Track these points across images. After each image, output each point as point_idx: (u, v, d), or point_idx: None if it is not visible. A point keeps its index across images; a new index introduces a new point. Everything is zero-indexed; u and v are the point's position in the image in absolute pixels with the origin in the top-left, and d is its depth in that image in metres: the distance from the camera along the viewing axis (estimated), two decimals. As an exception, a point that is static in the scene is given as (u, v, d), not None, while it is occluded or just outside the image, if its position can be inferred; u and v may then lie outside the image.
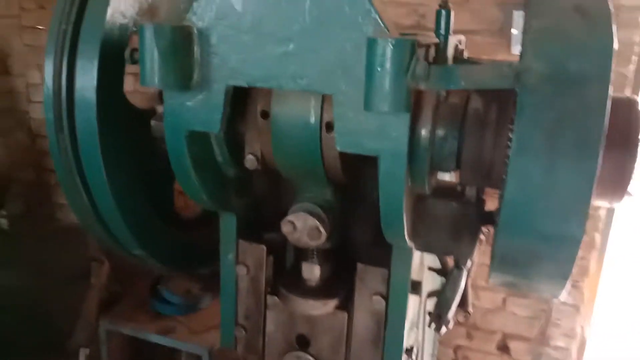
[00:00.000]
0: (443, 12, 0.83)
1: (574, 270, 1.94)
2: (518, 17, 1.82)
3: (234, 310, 1.09)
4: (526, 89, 0.63)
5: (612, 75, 0.61)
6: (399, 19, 2.03)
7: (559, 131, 0.62)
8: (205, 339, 1.89)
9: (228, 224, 1.05)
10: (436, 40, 0.82)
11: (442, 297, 1.02)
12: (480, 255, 2.04)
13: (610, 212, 2.01)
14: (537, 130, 0.63)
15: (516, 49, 1.91)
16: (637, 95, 1.90)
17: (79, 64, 0.94)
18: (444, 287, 1.02)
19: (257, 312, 1.08)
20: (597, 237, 1.99)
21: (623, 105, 0.74)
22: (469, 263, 0.98)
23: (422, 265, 1.11)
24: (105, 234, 1.13)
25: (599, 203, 0.77)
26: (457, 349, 2.31)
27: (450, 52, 0.94)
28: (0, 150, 3.00)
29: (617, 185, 0.74)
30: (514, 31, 1.89)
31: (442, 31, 0.84)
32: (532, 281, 0.74)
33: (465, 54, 1.19)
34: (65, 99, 0.96)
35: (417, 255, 1.03)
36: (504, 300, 2.16)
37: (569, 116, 0.62)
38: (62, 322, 2.00)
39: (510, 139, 0.66)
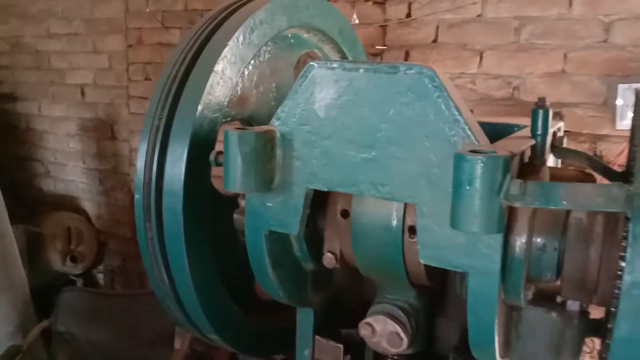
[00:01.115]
0: (540, 112, 0.77)
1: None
2: (623, 90, 1.70)
3: (307, 412, 1.05)
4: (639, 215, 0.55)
5: None
6: (491, 91, 1.96)
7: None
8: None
9: (305, 319, 1.01)
10: (532, 142, 0.76)
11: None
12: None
13: None
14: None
15: (622, 124, 1.77)
16: None
17: (169, 157, 0.97)
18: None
19: (334, 412, 1.02)
20: None
21: None
22: (569, 381, 0.87)
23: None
24: (184, 318, 1.13)
25: None
26: None
27: (547, 145, 0.87)
28: (102, 209, 3.22)
29: None
30: (618, 103, 1.76)
31: (540, 131, 0.78)
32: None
33: (565, 140, 1.11)
34: (154, 188, 1.00)
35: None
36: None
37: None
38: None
39: (620, 260, 0.58)
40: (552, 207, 0.63)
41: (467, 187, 0.60)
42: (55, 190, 3.37)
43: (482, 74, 1.98)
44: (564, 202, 0.59)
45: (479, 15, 1.97)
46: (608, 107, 1.78)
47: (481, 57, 1.98)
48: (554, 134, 0.97)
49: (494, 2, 1.94)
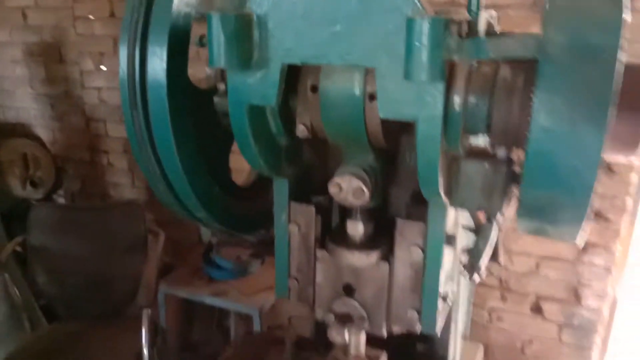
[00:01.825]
0: (469, -7, 0.92)
1: (607, 233, 2.03)
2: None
3: (287, 264, 1.23)
4: (547, 59, 0.73)
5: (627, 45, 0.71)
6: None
7: (575, 94, 0.72)
8: (255, 301, 2.06)
9: (281, 188, 1.18)
10: (468, 17, 0.92)
11: (474, 248, 1.13)
12: (514, 222, 2.14)
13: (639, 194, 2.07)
14: (556, 94, 0.73)
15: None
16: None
17: (150, 50, 1.08)
18: (476, 239, 1.13)
19: (307, 265, 1.21)
20: (629, 200, 2.06)
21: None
22: (499, 218, 1.09)
23: (457, 223, 1.22)
24: (173, 199, 1.28)
25: (616, 156, 0.86)
26: (491, 310, 2.42)
27: (482, 27, 1.03)
28: (57, 134, 3.23)
29: (631, 142, 0.83)
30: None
31: (474, 8, 0.94)
32: (553, 226, 0.85)
33: (498, 29, 1.28)
34: (138, 80, 1.11)
35: (452, 213, 1.14)
36: (537, 265, 2.26)
37: (583, 81, 0.72)
38: (123, 287, 2.18)
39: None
40: (482, 59, 0.79)
41: (417, 44, 0.76)
42: (5, 118, 3.32)
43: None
44: (490, 53, 0.76)
45: None
46: (536, 7, 1.97)
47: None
48: (488, 22, 1.14)
49: None
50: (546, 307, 2.30)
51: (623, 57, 0.73)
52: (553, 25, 0.74)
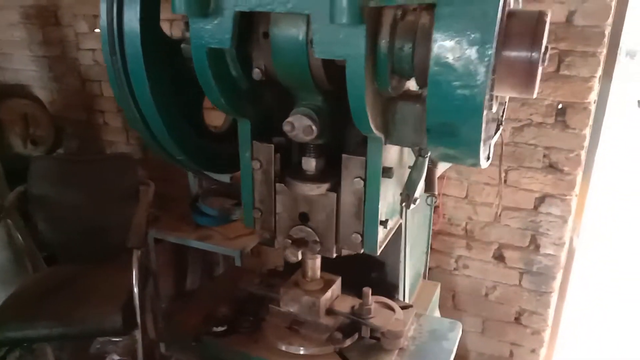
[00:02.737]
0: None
1: (562, 184, 2.19)
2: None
3: (251, 197, 1.40)
4: (441, 2, 0.88)
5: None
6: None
7: (466, 31, 0.87)
8: (237, 244, 2.24)
9: (244, 128, 1.34)
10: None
11: (409, 180, 1.29)
12: (477, 176, 2.31)
13: (596, 132, 2.21)
14: (448, 32, 0.88)
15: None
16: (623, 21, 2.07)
17: (126, 2, 1.23)
18: (410, 172, 1.29)
19: (269, 197, 1.38)
20: (583, 154, 2.21)
21: (530, 14, 0.97)
22: (429, 152, 1.25)
23: (402, 161, 1.37)
24: (152, 141, 1.45)
25: (513, 92, 1.02)
26: (458, 258, 2.60)
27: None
28: (55, 94, 3.38)
29: (526, 79, 0.98)
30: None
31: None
32: (456, 150, 1.01)
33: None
34: (116, 29, 1.26)
35: (395, 151, 1.30)
36: (499, 215, 2.43)
37: (470, 21, 0.87)
38: (117, 234, 2.36)
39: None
40: (391, 5, 0.94)
41: (339, -9, 0.91)
42: (5, 79, 3.47)
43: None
44: (398, 0, 0.91)
45: None
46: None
47: None
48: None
49: None
50: (508, 255, 2.47)
51: (509, 3, 0.88)
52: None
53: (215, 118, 1.62)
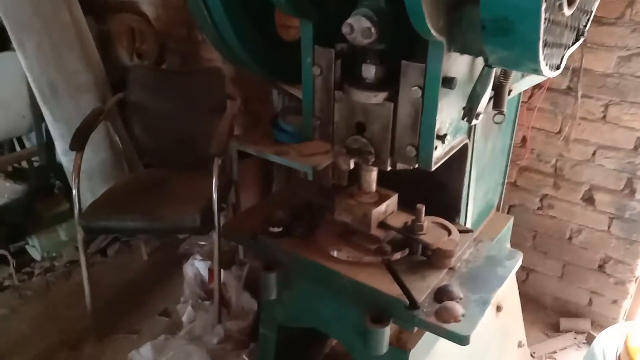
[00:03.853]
0: None
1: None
2: None
3: (312, 105, 1.40)
4: None
5: None
6: None
7: None
8: (311, 161, 2.28)
9: (306, 31, 1.32)
10: None
11: (473, 92, 1.21)
12: (574, 109, 2.14)
13: None
14: None
15: None
16: None
17: None
18: (475, 84, 1.21)
19: (327, 106, 1.37)
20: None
21: None
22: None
23: (472, 73, 1.29)
24: (223, 47, 1.49)
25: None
26: (543, 197, 2.45)
27: None
28: (160, 11, 3.54)
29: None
30: None
31: None
32: (513, 50, 0.93)
33: None
34: None
35: (462, 61, 1.22)
36: (594, 153, 2.23)
37: None
38: (203, 143, 2.49)
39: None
40: None
41: None
42: (116, -6, 3.69)
43: None
44: None
45: None
46: None
47: None
48: None
49: None
50: (598, 197, 2.29)
51: None
52: None
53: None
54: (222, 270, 2.41)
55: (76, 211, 2.22)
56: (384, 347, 1.32)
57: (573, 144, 2.26)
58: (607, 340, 1.47)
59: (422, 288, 1.33)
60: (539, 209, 2.48)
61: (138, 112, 2.65)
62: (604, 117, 2.14)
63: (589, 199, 2.32)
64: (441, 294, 1.32)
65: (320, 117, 1.41)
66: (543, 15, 0.84)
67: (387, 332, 1.30)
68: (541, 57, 0.92)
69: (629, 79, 2.03)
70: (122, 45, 3.34)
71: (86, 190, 2.65)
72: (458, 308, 1.27)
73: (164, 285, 2.79)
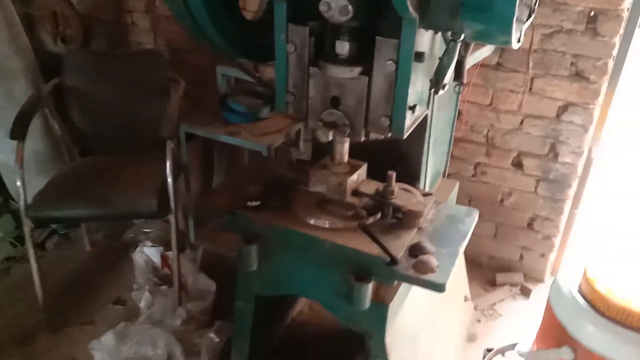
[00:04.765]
0: None
1: (587, 93, 2.21)
2: None
3: (285, 80, 1.46)
4: None
5: None
6: None
7: None
8: (265, 140, 2.33)
9: (280, 9, 1.37)
10: None
11: (440, 64, 1.33)
12: (503, 83, 2.34)
13: (626, 42, 2.19)
14: None
15: None
16: None
17: None
18: (442, 57, 1.33)
19: (302, 81, 1.43)
20: (610, 63, 2.21)
21: None
22: (462, 37, 1.28)
23: (433, 49, 1.41)
24: (197, 31, 1.50)
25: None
26: (477, 165, 2.67)
27: None
28: (84, -8, 3.39)
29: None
30: None
31: None
32: (490, 24, 1.05)
33: None
34: None
35: (427, 37, 1.34)
36: (522, 122, 2.47)
37: None
38: (148, 127, 2.47)
39: None
40: None
41: None
42: (33, -25, 3.47)
43: None
44: None
45: None
46: None
47: None
48: None
49: None
50: (526, 162, 2.54)
51: None
52: None
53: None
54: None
55: (22, 203, 2.13)
56: (367, 302, 1.43)
57: (503, 114, 2.49)
58: (568, 274, 1.71)
59: (398, 246, 1.45)
60: (473, 176, 2.70)
61: (76, 98, 2.56)
62: (530, 89, 2.37)
63: (517, 164, 2.56)
64: (415, 250, 1.45)
65: (294, 93, 1.47)
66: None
67: (370, 288, 1.42)
68: (513, 31, 1.05)
69: (551, 54, 2.27)
70: (45, 29, 3.17)
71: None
72: (433, 260, 1.41)
73: (113, 274, 2.73)
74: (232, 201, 1.61)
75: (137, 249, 2.65)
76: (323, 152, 1.62)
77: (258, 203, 1.58)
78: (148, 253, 2.65)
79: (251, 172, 1.91)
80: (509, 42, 1.08)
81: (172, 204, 2.23)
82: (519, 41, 1.19)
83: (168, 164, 2.21)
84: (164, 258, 2.61)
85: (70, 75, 2.54)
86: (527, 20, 1.30)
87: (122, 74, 2.59)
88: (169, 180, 2.23)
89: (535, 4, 1.32)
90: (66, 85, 2.54)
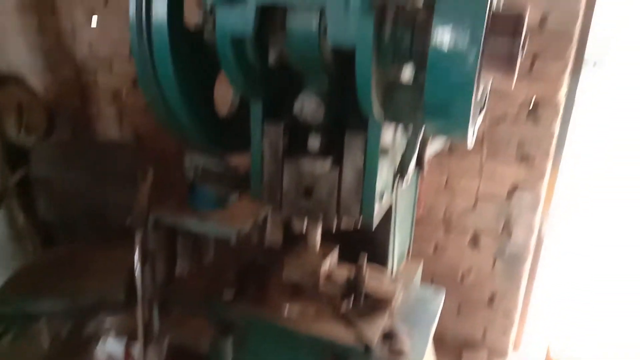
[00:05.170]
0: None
1: (533, 174, 2.38)
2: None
3: (260, 173, 1.55)
4: (441, 1, 1.05)
5: None
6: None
7: (459, 21, 1.04)
8: (233, 226, 2.38)
9: (256, 108, 1.49)
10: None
11: (404, 156, 1.46)
12: (456, 165, 2.49)
13: (564, 126, 2.43)
14: (447, 21, 1.05)
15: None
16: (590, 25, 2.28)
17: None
18: (405, 148, 1.46)
19: (276, 173, 1.52)
20: (552, 146, 2.42)
21: (511, 14, 1.15)
22: (422, 130, 1.41)
23: (395, 141, 1.53)
24: (168, 118, 1.57)
25: (495, 75, 1.19)
26: (437, 244, 2.78)
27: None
28: (50, 83, 3.45)
29: (507, 62, 1.15)
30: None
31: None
32: (449, 123, 1.18)
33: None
34: (144, 21, 1.39)
35: (390, 131, 1.46)
36: (476, 201, 2.62)
37: (465, 11, 1.04)
38: (116, 215, 2.48)
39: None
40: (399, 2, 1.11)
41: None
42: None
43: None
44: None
45: None
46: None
47: None
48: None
49: None
50: (482, 240, 2.67)
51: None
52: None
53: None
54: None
55: (-18, 298, 2.06)
56: (346, 389, 1.45)
57: (458, 194, 2.64)
58: (530, 355, 1.77)
59: (373, 331, 1.49)
60: (433, 254, 2.81)
61: (43, 189, 2.56)
62: (481, 170, 2.55)
63: (475, 242, 2.69)
64: (389, 334, 1.50)
65: (269, 184, 1.55)
66: (473, 98, 1.11)
67: (348, 375, 1.45)
68: (470, 129, 1.18)
69: (499, 138, 2.47)
70: (9, 120, 3.19)
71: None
72: (406, 343, 1.46)
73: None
74: (206, 289, 1.63)
75: (99, 344, 2.57)
76: (293, 236, 1.68)
77: (233, 292, 1.61)
78: (110, 347, 2.57)
79: (224, 257, 1.94)
80: (465, 136, 1.21)
81: (139, 296, 2.21)
82: (473, 135, 1.33)
83: (137, 254, 2.21)
84: (127, 352, 2.53)
85: (38, 167, 2.56)
86: (480, 114, 1.45)
87: (91, 164, 2.63)
88: (137, 270, 2.22)
89: (484, 103, 1.48)
90: (33, 176, 2.55)
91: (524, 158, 2.45)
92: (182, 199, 2.60)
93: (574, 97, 2.39)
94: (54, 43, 3.33)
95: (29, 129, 3.29)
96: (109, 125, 3.31)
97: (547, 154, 2.41)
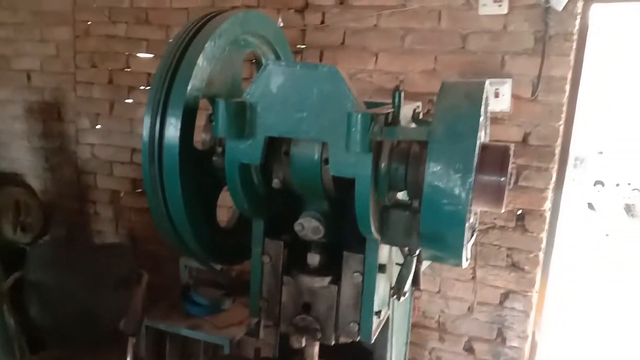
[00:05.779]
0: (396, 93, 1.35)
1: (524, 282, 2.45)
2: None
3: (259, 288, 1.58)
4: (433, 140, 1.15)
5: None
6: (383, 83, 2.60)
7: (451, 161, 1.14)
8: (227, 333, 2.37)
9: (258, 226, 1.55)
10: (390, 109, 1.35)
11: (400, 275, 1.51)
12: (448, 272, 2.55)
13: (551, 235, 2.52)
14: (438, 162, 1.15)
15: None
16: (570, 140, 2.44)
17: (168, 121, 1.46)
18: (401, 269, 1.51)
19: (275, 288, 1.55)
20: (541, 255, 2.50)
21: (498, 148, 1.26)
22: (418, 251, 1.48)
23: (391, 258, 1.60)
24: (176, 239, 1.62)
25: (485, 208, 1.28)
26: (431, 350, 2.76)
27: (408, 114, 1.48)
28: (49, 184, 3.53)
29: (495, 196, 1.25)
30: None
31: (396, 104, 1.36)
32: (444, 252, 1.25)
33: (421, 114, 1.72)
34: (157, 142, 1.49)
35: (385, 250, 1.53)
36: (470, 308, 2.64)
37: (454, 154, 1.14)
38: (109, 319, 2.46)
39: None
40: (396, 139, 1.22)
41: (353, 128, 1.18)
42: (0, 168, 3.61)
43: (377, 70, 2.61)
44: (400, 136, 1.19)
45: (375, 25, 2.60)
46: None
47: (377, 58, 2.62)
48: (414, 110, 1.58)
49: (385, 16, 2.58)
50: (477, 346, 2.66)
51: (481, 139, 1.17)
52: (437, 119, 1.17)
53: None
54: None
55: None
56: None
57: (451, 301, 2.67)
58: None
59: None
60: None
61: (37, 292, 2.55)
62: (473, 277, 2.60)
63: (469, 349, 2.68)
64: None
65: (268, 299, 1.58)
66: (466, 229, 1.19)
67: None
68: (464, 254, 1.25)
69: (488, 247, 2.54)
70: (7, 219, 3.23)
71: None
72: None
73: None
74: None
75: None
76: (288, 347, 1.68)
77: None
78: None
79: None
80: (459, 264, 1.28)
81: (129, 406, 2.15)
82: (467, 259, 1.40)
83: (128, 360, 2.18)
84: None
85: (33, 270, 2.56)
86: (472, 238, 1.53)
87: (86, 267, 2.64)
88: (128, 378, 2.17)
89: (476, 224, 1.57)
90: (28, 279, 2.55)
91: (514, 266, 2.52)
92: (176, 303, 2.59)
93: (559, 205, 2.50)
94: (57, 146, 3.45)
95: (25, 228, 3.32)
96: (104, 226, 3.36)
97: (536, 262, 2.48)
